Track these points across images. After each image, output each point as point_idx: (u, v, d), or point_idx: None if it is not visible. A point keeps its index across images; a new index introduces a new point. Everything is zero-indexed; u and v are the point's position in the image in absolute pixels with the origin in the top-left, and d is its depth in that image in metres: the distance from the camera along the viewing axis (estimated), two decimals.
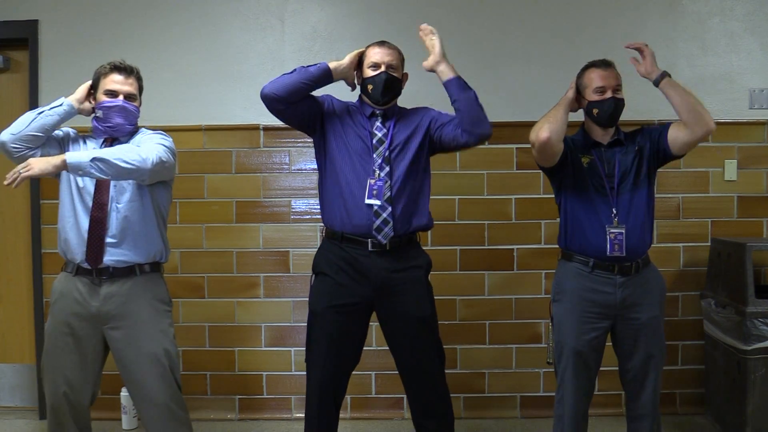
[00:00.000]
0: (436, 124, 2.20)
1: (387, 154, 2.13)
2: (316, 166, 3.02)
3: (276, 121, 3.04)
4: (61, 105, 2.09)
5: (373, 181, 2.08)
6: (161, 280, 2.18)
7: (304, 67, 2.11)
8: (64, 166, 1.87)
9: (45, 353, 2.08)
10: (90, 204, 2.04)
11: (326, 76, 2.12)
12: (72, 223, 2.05)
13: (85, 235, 2.03)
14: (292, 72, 2.09)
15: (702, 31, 3.05)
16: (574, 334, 2.14)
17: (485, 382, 3.09)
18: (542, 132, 2.07)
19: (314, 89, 2.14)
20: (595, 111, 2.17)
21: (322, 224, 2.24)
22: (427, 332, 2.15)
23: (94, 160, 1.87)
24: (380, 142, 2.14)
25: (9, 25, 3.05)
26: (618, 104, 2.15)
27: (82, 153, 1.92)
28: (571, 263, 2.20)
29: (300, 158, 3.07)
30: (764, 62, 3.05)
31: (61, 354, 2.04)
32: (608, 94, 2.14)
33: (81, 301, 2.05)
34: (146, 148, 2.00)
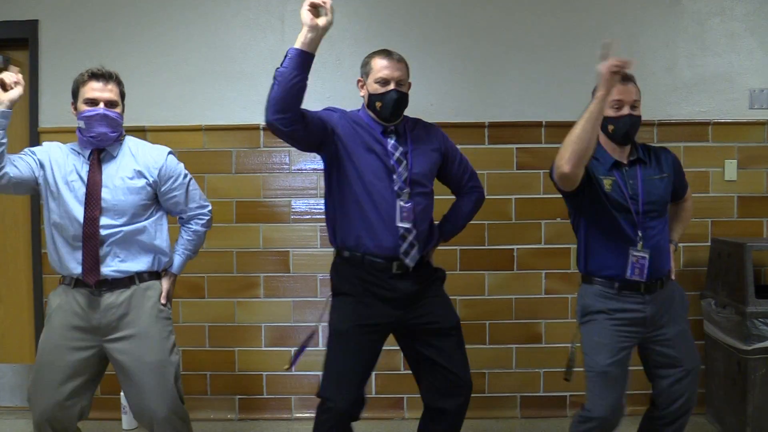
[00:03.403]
0: (448, 168, 2.22)
1: (407, 174, 2.04)
2: (315, 166, 3.06)
3: None
4: None
5: (403, 203, 2.00)
6: (161, 287, 2.14)
7: (277, 69, 1.82)
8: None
9: (37, 370, 2.00)
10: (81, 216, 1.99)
11: (305, 59, 1.81)
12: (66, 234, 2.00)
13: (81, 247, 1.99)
14: (273, 84, 1.82)
15: (702, 31, 3.05)
16: (609, 356, 2.04)
17: (485, 382, 3.08)
18: (565, 165, 1.87)
19: (305, 77, 1.83)
20: (610, 128, 2.06)
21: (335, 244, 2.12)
22: (458, 340, 2.11)
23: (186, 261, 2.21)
24: (399, 161, 2.03)
25: (9, 25, 3.05)
26: (635, 122, 2.05)
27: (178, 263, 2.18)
28: (594, 286, 2.10)
29: (300, 158, 3.07)
30: (764, 62, 3.05)
31: (56, 370, 1.98)
32: (625, 110, 2.03)
33: (81, 314, 2.00)
34: (194, 205, 2.23)
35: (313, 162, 3.06)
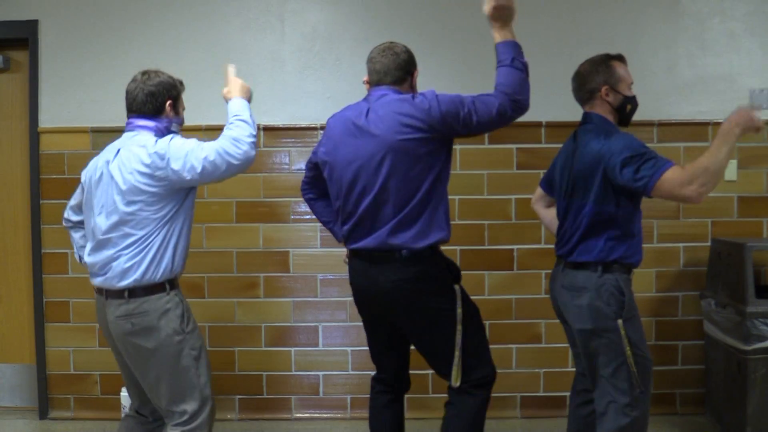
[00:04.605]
0: None
1: None
2: None
3: (276, 121, 3.09)
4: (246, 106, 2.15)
5: None
6: None
7: (521, 61, 2.09)
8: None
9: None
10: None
11: None
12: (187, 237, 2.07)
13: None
14: (521, 74, 2.07)
15: (702, 31, 3.05)
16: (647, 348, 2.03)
17: None
18: (698, 194, 1.81)
19: None
20: (628, 107, 2.05)
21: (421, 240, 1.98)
22: None
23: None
24: None
25: (9, 25, 3.05)
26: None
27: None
28: (629, 276, 2.02)
29: (300, 158, 3.07)
30: (764, 62, 3.05)
31: None
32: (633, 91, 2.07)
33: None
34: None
35: None
